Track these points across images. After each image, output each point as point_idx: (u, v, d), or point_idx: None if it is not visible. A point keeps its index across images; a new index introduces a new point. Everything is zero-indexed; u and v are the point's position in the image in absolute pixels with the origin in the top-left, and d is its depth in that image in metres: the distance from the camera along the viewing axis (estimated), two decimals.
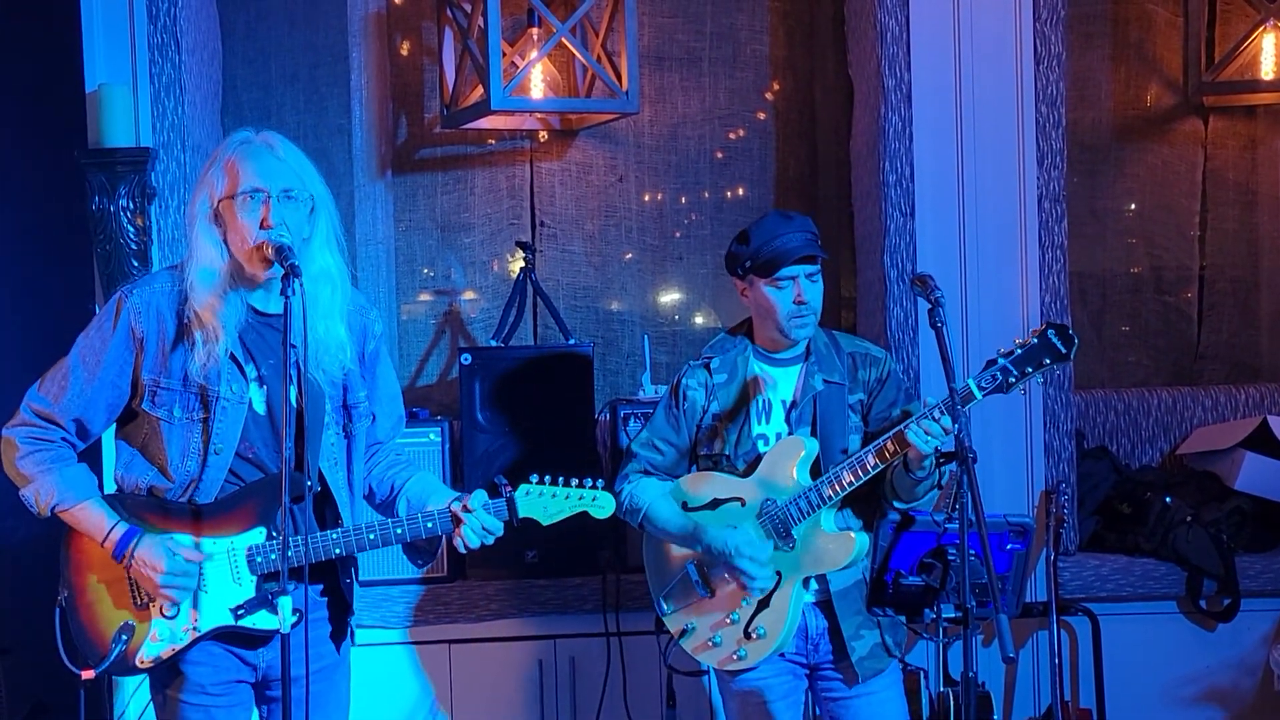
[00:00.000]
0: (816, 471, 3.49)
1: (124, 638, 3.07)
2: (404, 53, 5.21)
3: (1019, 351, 3.30)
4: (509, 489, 3.12)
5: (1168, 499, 4.74)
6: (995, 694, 4.56)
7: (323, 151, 5.02)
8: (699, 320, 5.39)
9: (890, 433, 3.35)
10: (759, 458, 3.55)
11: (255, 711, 3.25)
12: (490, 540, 3.12)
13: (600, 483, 3.17)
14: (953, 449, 3.11)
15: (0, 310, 5.03)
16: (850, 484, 3.39)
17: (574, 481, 3.16)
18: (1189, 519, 4.68)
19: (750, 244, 3.56)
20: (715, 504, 3.57)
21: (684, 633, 3.63)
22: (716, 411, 3.62)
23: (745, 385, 3.60)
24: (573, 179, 5.24)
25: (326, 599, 3.20)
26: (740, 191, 5.37)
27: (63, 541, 3.14)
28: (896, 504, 3.47)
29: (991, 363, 3.32)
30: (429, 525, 3.12)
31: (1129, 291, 5.50)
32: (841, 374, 3.59)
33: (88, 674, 3.08)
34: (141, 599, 3.08)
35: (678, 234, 5.35)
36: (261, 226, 3.00)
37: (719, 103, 5.32)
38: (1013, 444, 4.67)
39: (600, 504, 3.18)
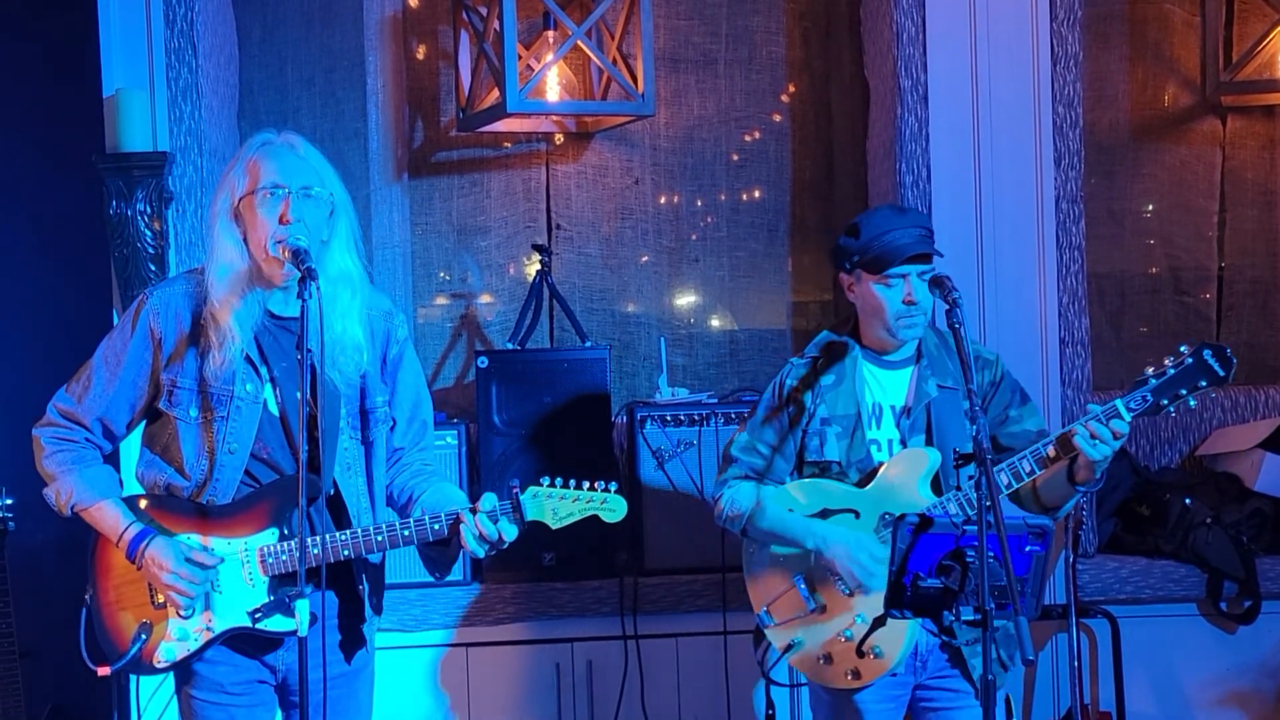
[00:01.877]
0: (936, 485, 3.35)
1: (142, 637, 3.09)
2: (420, 56, 5.22)
3: (1171, 372, 3.16)
4: (517, 490, 3.07)
5: (1187, 500, 4.71)
6: (1015, 697, 4.54)
7: (339, 155, 5.02)
8: (715, 323, 5.38)
9: (1052, 438, 3.20)
10: (875, 469, 3.38)
11: (279, 714, 3.25)
12: (486, 549, 3.05)
13: (613, 486, 3.11)
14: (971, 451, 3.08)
15: (19, 314, 5.05)
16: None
17: (585, 484, 3.10)
18: (1209, 520, 4.66)
19: (860, 237, 3.38)
20: (826, 514, 3.39)
21: (789, 647, 3.42)
22: (825, 415, 3.43)
23: (856, 393, 3.42)
24: (588, 181, 5.24)
25: (340, 605, 3.20)
26: (756, 194, 5.36)
27: (91, 543, 3.18)
28: (1034, 509, 3.33)
29: (1141, 382, 3.16)
30: (435, 528, 3.08)
31: (1147, 292, 5.48)
32: (954, 378, 3.42)
33: (103, 671, 3.11)
34: (159, 600, 3.09)
35: (694, 236, 5.34)
36: (280, 222, 3.01)
37: (734, 105, 5.31)
38: None
39: (611, 507, 3.11)
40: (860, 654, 3.32)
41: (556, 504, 3.09)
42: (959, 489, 3.31)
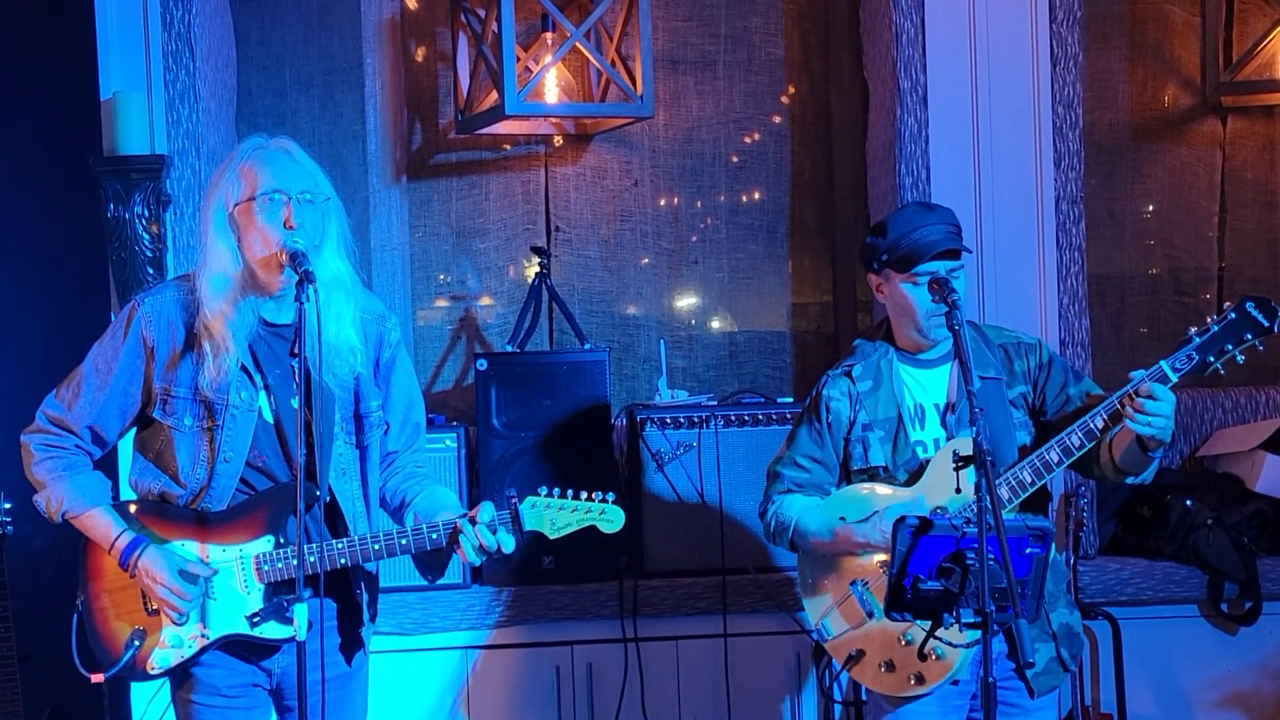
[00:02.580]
0: None
1: (135, 644, 3.08)
2: (418, 58, 5.21)
3: (1214, 328, 3.09)
4: (515, 501, 3.07)
5: (1188, 502, 4.71)
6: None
7: (337, 157, 5.02)
8: (715, 324, 5.37)
9: (1101, 409, 3.14)
10: (921, 466, 3.34)
11: (274, 717, 3.25)
12: (485, 558, 3.05)
13: (610, 496, 3.10)
14: (972, 452, 3.06)
15: (17, 318, 5.04)
16: (1032, 484, 3.20)
17: (583, 494, 3.09)
18: (1210, 522, 4.65)
19: (887, 236, 3.34)
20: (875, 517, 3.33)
21: (850, 659, 3.36)
22: (866, 421, 3.39)
23: (895, 395, 3.38)
24: (587, 183, 5.24)
25: (338, 609, 3.19)
26: (755, 195, 5.36)
27: (80, 548, 3.17)
28: (1121, 478, 3.27)
29: (1185, 341, 3.10)
30: (433, 537, 3.08)
31: (1147, 293, 5.47)
32: (997, 368, 3.36)
33: (97, 678, 3.11)
34: (152, 606, 3.08)
35: (693, 238, 5.33)
36: (285, 227, 3.00)
37: (734, 106, 5.31)
38: None
39: (609, 518, 3.11)
40: (922, 657, 3.25)
41: (554, 514, 3.09)
42: (1009, 479, 3.25)
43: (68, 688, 4.31)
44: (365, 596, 3.20)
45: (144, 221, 4.41)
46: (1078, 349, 4.71)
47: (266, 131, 3.20)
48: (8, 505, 4.25)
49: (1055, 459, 3.21)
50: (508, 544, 3.05)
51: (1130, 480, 3.33)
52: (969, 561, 3.03)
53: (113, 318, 4.47)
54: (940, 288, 3.20)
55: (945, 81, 4.66)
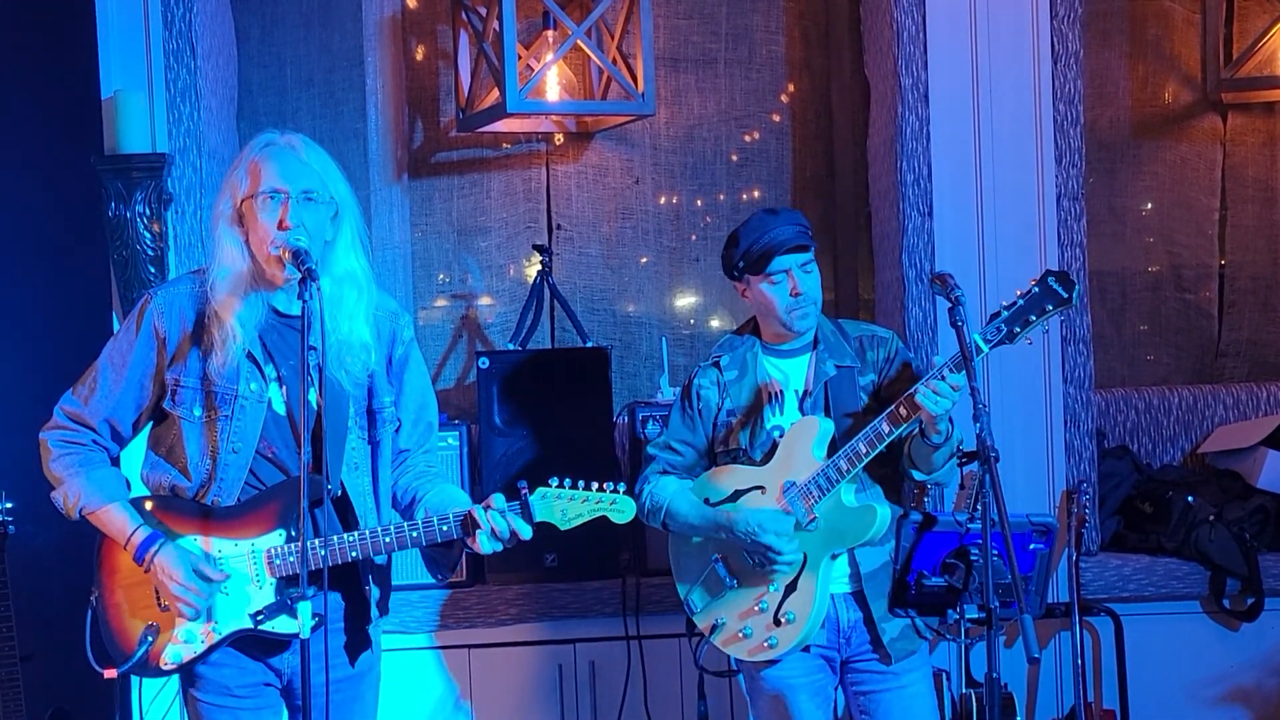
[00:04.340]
0: (833, 448, 3.47)
1: (149, 639, 3.08)
2: (419, 57, 5.21)
3: (1020, 301, 3.29)
4: (526, 492, 3.06)
5: (1190, 498, 4.71)
6: (1018, 695, 4.54)
7: (338, 156, 4.93)
8: (715, 322, 5.37)
9: (901, 397, 3.34)
10: (775, 445, 3.55)
11: (285, 716, 3.24)
12: (499, 546, 3.04)
13: (621, 486, 3.09)
14: (974, 448, 3.08)
15: (18, 317, 5.04)
16: (866, 454, 3.38)
17: (594, 485, 3.08)
18: (1211, 518, 4.65)
19: (740, 244, 3.57)
20: (736, 495, 3.56)
21: (714, 628, 3.59)
22: (730, 408, 3.63)
23: (757, 382, 3.60)
24: (589, 182, 5.24)
25: (345, 607, 3.18)
26: (756, 193, 5.36)
27: (96, 544, 3.17)
28: (918, 475, 3.48)
29: (995, 315, 3.31)
30: (444, 529, 3.07)
31: (1148, 289, 5.48)
32: (851, 357, 3.59)
33: (110, 673, 3.10)
34: (165, 602, 3.08)
35: (694, 236, 5.34)
36: (279, 227, 3.01)
37: (735, 104, 5.31)
38: (1034, 443, 4.65)
39: (620, 508, 3.10)
40: (776, 622, 3.49)
41: (565, 505, 3.07)
42: (848, 453, 3.42)
43: (70, 688, 4.33)
44: (376, 593, 3.19)
45: (145, 220, 4.41)
46: (1079, 345, 4.71)
47: (268, 130, 3.19)
48: (10, 504, 4.25)
49: (886, 430, 3.37)
50: (523, 529, 3.04)
51: (919, 476, 3.51)
52: (973, 557, 3.04)
53: (114, 316, 4.49)
54: (944, 284, 3.26)
55: (946, 78, 4.66)
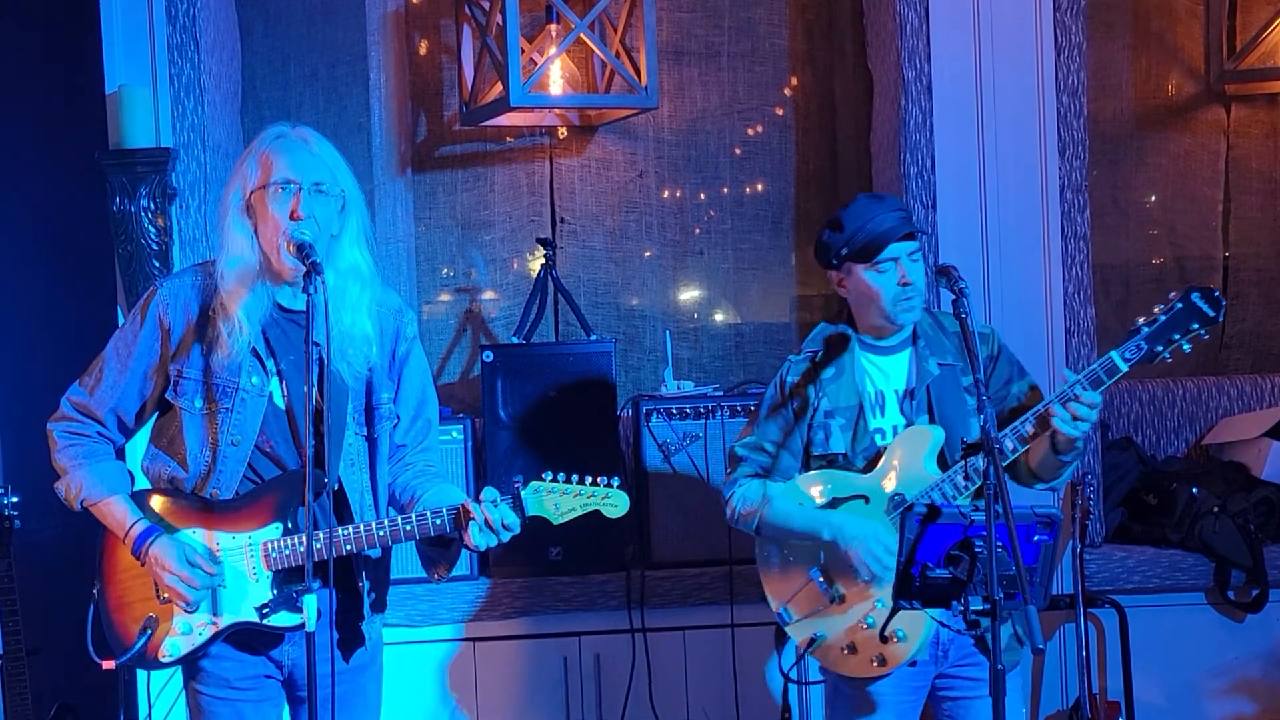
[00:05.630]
0: (942, 461, 3.35)
1: (148, 631, 3.09)
2: (423, 51, 5.21)
3: (1162, 318, 3.17)
4: (519, 486, 3.05)
5: (1194, 490, 4.71)
6: (1023, 687, 4.54)
7: (343, 150, 4.89)
8: (720, 316, 5.37)
9: (1030, 416, 3.22)
10: (879, 453, 3.39)
11: (286, 708, 3.25)
12: (492, 541, 3.02)
13: (615, 480, 3.08)
14: (980, 440, 3.07)
15: (23, 312, 5.05)
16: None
17: (588, 479, 3.07)
18: (1216, 509, 4.65)
19: (844, 230, 3.39)
20: (836, 504, 3.40)
21: (812, 642, 3.42)
22: (828, 408, 3.44)
23: (856, 382, 3.43)
24: (592, 175, 5.24)
25: (337, 603, 3.16)
26: (760, 187, 5.36)
27: (99, 537, 3.19)
28: (1038, 485, 3.37)
29: (1134, 331, 3.17)
30: (437, 522, 3.07)
31: (1152, 282, 5.47)
32: (953, 355, 3.43)
33: (108, 664, 3.11)
34: (164, 595, 3.09)
35: (698, 230, 5.34)
36: (291, 217, 3.02)
37: (738, 97, 5.31)
38: None
39: (613, 502, 3.08)
40: (884, 639, 3.31)
41: (558, 499, 3.06)
42: (964, 466, 3.29)
43: (76, 682, 4.34)
44: (368, 586, 3.18)
45: (150, 215, 4.42)
46: (1083, 338, 4.71)
47: (273, 124, 3.20)
48: (15, 499, 4.26)
49: (1010, 449, 3.26)
50: (511, 520, 3.01)
51: (1040, 487, 3.40)
52: (977, 549, 3.04)
53: (119, 311, 4.49)
54: (948, 276, 3.21)
55: (949, 71, 4.66)
